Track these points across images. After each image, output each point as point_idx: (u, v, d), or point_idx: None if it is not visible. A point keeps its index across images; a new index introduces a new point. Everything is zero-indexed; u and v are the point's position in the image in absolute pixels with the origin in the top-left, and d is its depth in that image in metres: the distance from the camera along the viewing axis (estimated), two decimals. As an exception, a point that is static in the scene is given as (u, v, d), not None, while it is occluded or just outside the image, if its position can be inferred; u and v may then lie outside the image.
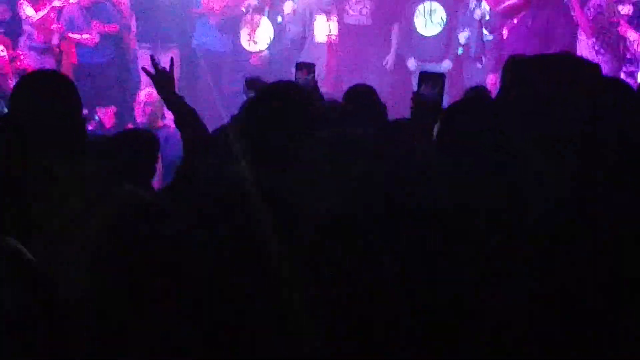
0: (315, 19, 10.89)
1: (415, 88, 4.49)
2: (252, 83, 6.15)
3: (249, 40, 10.98)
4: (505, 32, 9.67)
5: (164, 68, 4.51)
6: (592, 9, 9.18)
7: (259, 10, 10.97)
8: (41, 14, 10.28)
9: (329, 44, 10.86)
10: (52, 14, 10.38)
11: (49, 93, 3.51)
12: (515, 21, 9.47)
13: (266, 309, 2.64)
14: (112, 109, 9.75)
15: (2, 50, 9.92)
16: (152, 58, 4.64)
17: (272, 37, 11.00)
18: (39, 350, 2.48)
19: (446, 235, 2.71)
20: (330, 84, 10.21)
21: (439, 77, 4.49)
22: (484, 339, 2.63)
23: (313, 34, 10.88)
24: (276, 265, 2.67)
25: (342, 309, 2.67)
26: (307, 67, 6.31)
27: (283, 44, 11.06)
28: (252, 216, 2.77)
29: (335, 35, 10.84)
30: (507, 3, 9.57)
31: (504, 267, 2.65)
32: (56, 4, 10.26)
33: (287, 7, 11.19)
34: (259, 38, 11.02)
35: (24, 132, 3.23)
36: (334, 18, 10.86)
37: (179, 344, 2.56)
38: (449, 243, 2.70)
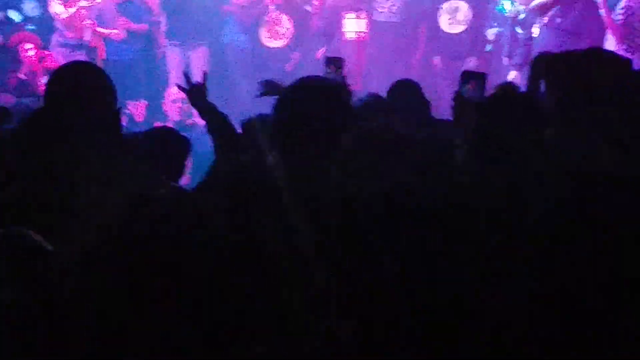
0: (344, 16, 10.87)
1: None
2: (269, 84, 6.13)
3: (268, 37, 10.98)
4: (534, 30, 9.60)
5: (197, 82, 4.62)
6: (622, 11, 9.03)
7: (281, 7, 10.97)
8: (70, 10, 10.26)
9: (358, 41, 10.84)
10: (82, 11, 10.36)
11: (86, 83, 3.55)
12: (545, 19, 9.39)
13: (266, 309, 2.65)
14: (144, 102, 9.79)
15: (31, 49, 9.98)
16: (186, 74, 4.76)
17: (292, 31, 10.99)
18: (39, 350, 2.50)
19: (446, 235, 2.70)
20: (359, 81, 10.18)
21: (481, 77, 4.46)
22: (484, 339, 2.63)
23: (342, 31, 10.86)
24: (276, 265, 2.67)
25: (342, 309, 2.67)
26: (336, 62, 6.29)
27: (309, 38, 11.07)
28: (254, 215, 2.78)
29: (364, 32, 10.81)
30: (537, 1, 9.49)
31: (504, 267, 2.64)
32: (83, 3, 10.24)
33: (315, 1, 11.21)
34: (278, 34, 11.02)
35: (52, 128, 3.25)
36: (364, 15, 10.84)
37: (179, 344, 2.57)
38: (449, 243, 2.69)
